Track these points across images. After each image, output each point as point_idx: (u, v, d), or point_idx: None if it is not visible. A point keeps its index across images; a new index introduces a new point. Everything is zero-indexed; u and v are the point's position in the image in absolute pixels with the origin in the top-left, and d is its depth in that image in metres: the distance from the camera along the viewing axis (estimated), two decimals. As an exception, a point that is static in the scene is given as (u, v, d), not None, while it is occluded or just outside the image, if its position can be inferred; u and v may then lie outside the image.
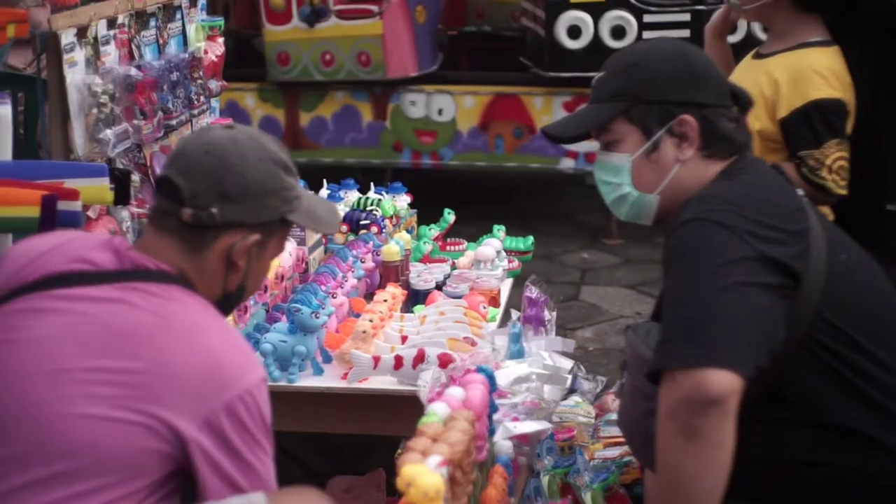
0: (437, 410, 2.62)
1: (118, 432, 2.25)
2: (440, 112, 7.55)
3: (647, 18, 6.99)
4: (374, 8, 7.33)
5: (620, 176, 2.80)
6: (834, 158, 3.51)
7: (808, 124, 3.53)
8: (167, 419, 2.26)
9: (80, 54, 3.73)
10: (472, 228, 5.12)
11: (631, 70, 2.79)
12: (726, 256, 2.46)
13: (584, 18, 6.98)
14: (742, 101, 2.88)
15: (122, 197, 3.35)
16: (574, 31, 6.99)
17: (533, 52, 7.45)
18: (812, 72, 3.56)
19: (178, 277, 2.43)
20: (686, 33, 6.67)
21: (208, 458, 2.29)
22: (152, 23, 4.22)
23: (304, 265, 4.05)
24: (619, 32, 6.95)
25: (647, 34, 6.84)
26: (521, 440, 3.25)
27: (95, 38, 3.81)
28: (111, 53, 3.89)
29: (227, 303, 2.56)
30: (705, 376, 2.34)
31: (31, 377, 2.30)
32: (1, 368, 2.34)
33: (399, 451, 3.97)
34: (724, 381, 2.34)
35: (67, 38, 3.66)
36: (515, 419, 3.20)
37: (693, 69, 2.78)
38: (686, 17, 6.90)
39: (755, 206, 2.57)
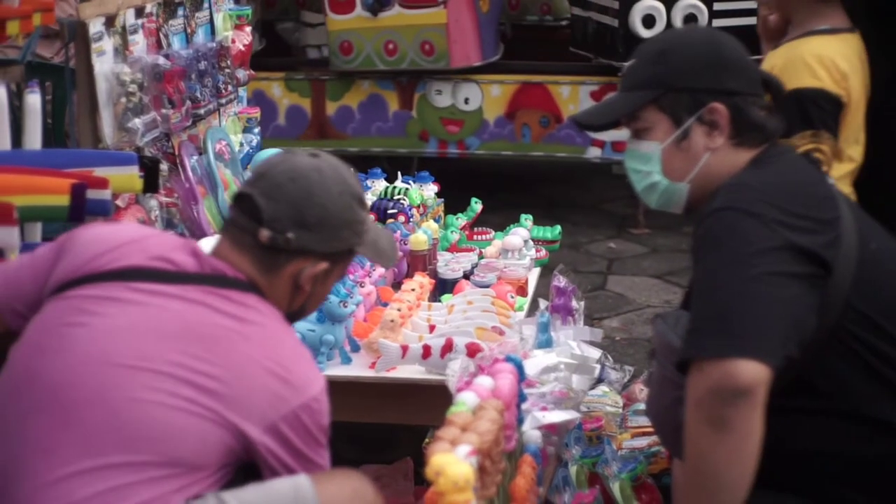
0: (465, 400, 2.62)
1: (193, 425, 2.32)
2: (466, 101, 7.53)
3: (718, 6, 6.93)
4: None
5: (650, 164, 2.78)
6: (805, 150, 3.42)
7: (783, 113, 3.47)
8: (236, 423, 2.35)
9: (108, 43, 3.74)
10: (498, 218, 5.10)
11: (661, 58, 2.77)
12: (755, 246, 2.44)
13: (658, 7, 6.90)
14: (774, 88, 2.86)
15: (151, 185, 3.35)
16: (648, 20, 6.93)
17: (596, 42, 7.38)
18: (800, 61, 3.50)
19: (254, 287, 2.51)
20: (754, 21, 6.61)
21: (274, 456, 2.40)
22: (180, 12, 4.23)
23: (331, 254, 4.04)
24: (691, 20, 6.89)
25: (716, 22, 6.78)
26: (549, 430, 3.24)
27: (123, 28, 3.82)
28: (139, 42, 3.90)
29: (288, 320, 2.63)
30: (734, 367, 2.33)
31: (108, 363, 2.34)
32: (72, 350, 2.37)
33: (427, 440, 3.97)
34: (753, 372, 2.33)
35: (95, 27, 3.67)
36: (544, 409, 3.19)
37: (723, 57, 2.76)
38: (754, 4, 6.84)
39: (785, 195, 2.55)
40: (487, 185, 7.17)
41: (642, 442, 3.65)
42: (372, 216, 2.75)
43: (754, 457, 2.38)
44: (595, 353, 3.60)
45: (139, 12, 3.94)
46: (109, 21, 3.77)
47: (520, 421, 2.93)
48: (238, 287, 2.49)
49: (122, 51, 3.81)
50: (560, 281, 3.82)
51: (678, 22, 6.90)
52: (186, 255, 2.51)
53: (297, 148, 2.73)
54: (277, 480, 2.42)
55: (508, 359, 2.91)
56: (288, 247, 2.53)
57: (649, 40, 2.90)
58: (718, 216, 2.53)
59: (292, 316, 2.65)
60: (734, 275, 2.42)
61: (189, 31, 4.28)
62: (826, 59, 3.49)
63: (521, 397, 2.92)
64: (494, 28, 7.78)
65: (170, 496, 2.30)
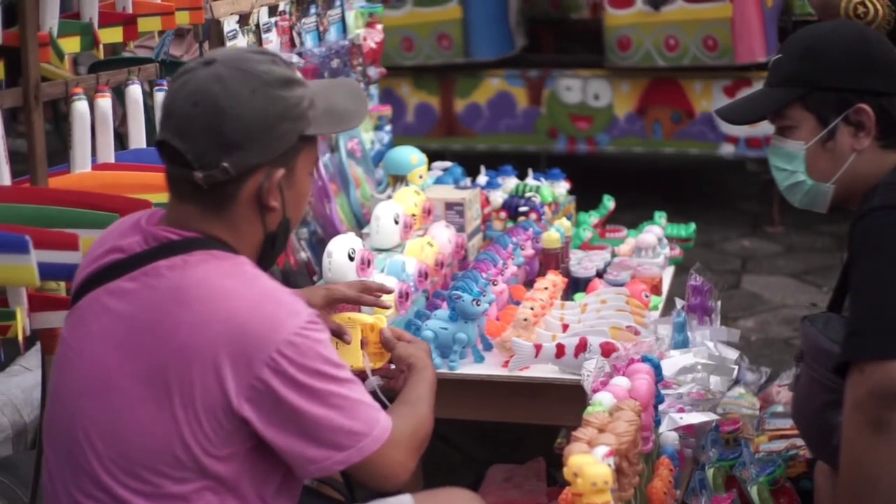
0: (602, 400, 2.59)
1: (171, 429, 2.16)
2: (596, 97, 7.47)
3: None
4: None
5: (794, 163, 2.73)
6: None
7: None
8: (207, 405, 2.15)
9: (242, 41, 3.77)
10: (629, 215, 5.04)
11: (809, 54, 2.72)
12: None
13: None
14: None
15: None
16: None
17: None
18: None
19: (202, 241, 2.26)
20: None
21: (268, 423, 2.17)
22: (312, 9, 4.25)
23: (462, 252, 4.03)
24: None
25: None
26: (686, 431, 3.20)
27: (257, 26, 3.85)
28: (273, 41, 3.93)
29: (274, 242, 2.36)
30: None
31: (84, 394, 2.24)
32: (59, 393, 2.30)
33: (559, 440, 3.93)
34: None
35: (230, 25, 3.71)
36: (681, 410, 3.14)
37: (872, 56, 2.69)
38: None
39: None
40: (617, 182, 7.09)
41: (780, 445, 3.58)
42: (313, 84, 2.40)
43: (914, 461, 2.31)
44: (732, 354, 3.54)
45: (272, 10, 3.97)
46: (243, 19, 3.80)
47: (657, 422, 2.88)
48: (184, 249, 2.24)
49: (256, 49, 3.83)
50: (696, 280, 3.76)
51: None
52: (134, 234, 2.30)
53: (192, 62, 2.35)
54: (378, 501, 2.32)
55: (645, 359, 2.86)
56: (228, 176, 2.22)
57: (796, 35, 2.84)
58: (877, 215, 2.47)
59: (276, 236, 2.35)
60: (894, 275, 2.35)
61: (321, 28, 4.29)
62: None
63: (659, 398, 2.87)
64: (776, 24, 7.38)
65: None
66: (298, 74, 2.34)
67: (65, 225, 2.76)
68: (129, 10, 3.21)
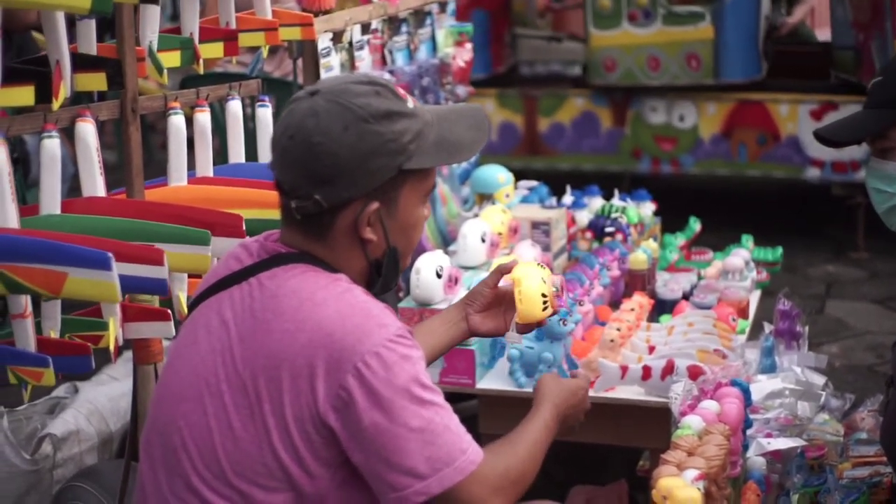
0: (692, 423, 2.59)
1: (258, 437, 2.19)
2: (681, 118, 7.43)
3: None
4: None
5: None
6: None
7: None
8: (296, 413, 2.17)
9: (335, 59, 3.81)
10: (712, 237, 5.01)
11: None
12: None
13: None
14: None
15: None
16: None
17: None
18: None
19: (307, 257, 2.31)
20: None
21: (350, 437, 2.16)
22: (403, 28, 4.28)
23: (548, 271, 4.03)
24: None
25: None
26: (773, 457, 3.17)
27: (350, 44, 3.89)
28: (365, 59, 3.97)
29: (381, 269, 2.36)
30: None
31: (184, 398, 2.28)
32: (167, 390, 2.35)
33: (641, 462, 3.92)
34: None
35: (324, 42, 3.74)
36: (769, 435, 3.12)
37: None
38: None
39: None
40: (699, 204, 7.06)
41: (864, 472, 3.54)
42: (433, 111, 2.39)
43: None
44: (820, 380, 3.52)
45: (365, 28, 4.01)
46: (336, 37, 3.84)
47: (745, 447, 2.87)
48: (286, 261, 2.30)
49: (349, 67, 3.87)
50: (785, 304, 3.74)
51: None
52: (252, 247, 2.37)
53: (302, 91, 2.35)
54: None
55: (734, 383, 2.85)
56: (320, 209, 2.25)
57: None
58: None
59: (381, 264, 2.35)
60: None
61: (412, 47, 4.33)
62: None
63: (747, 423, 2.86)
64: None
65: None
66: (406, 105, 2.31)
67: (156, 239, 2.78)
68: (233, 26, 3.24)
